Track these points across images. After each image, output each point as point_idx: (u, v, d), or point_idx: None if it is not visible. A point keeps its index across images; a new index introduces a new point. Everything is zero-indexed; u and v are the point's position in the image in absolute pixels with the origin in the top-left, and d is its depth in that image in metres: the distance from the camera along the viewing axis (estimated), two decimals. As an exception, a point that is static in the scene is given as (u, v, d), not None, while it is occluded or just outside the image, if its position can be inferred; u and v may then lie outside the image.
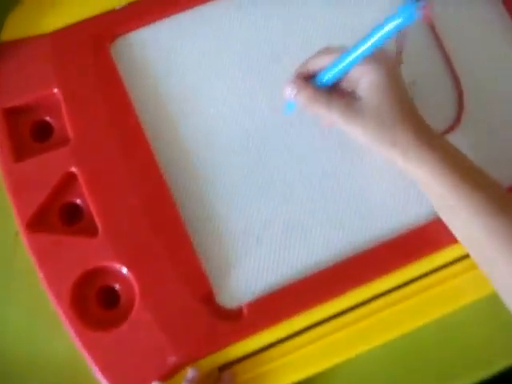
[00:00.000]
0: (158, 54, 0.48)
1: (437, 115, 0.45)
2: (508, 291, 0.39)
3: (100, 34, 0.47)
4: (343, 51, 0.39)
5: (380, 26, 0.37)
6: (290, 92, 0.41)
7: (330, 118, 0.41)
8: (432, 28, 0.49)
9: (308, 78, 0.42)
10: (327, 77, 0.41)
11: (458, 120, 0.47)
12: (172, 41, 0.48)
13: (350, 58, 0.39)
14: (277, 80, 0.47)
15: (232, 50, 0.48)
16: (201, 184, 0.45)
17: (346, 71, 0.40)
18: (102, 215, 0.43)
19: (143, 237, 0.43)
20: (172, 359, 0.41)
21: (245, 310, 0.42)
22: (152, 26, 0.48)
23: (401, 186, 0.46)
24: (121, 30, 0.48)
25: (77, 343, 0.41)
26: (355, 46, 0.39)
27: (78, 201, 0.45)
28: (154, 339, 0.41)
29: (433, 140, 0.40)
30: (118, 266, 0.42)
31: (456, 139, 0.42)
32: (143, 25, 0.48)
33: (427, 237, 0.44)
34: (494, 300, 0.40)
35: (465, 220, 0.39)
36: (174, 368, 0.41)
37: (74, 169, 0.44)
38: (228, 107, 0.47)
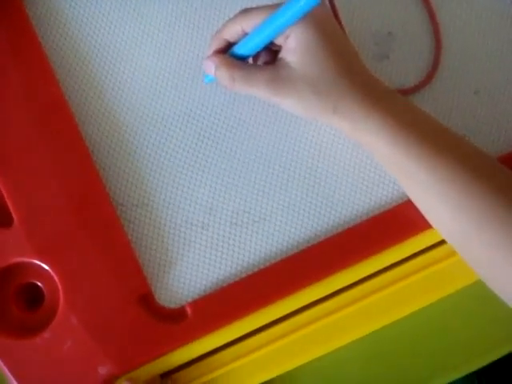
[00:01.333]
0: (80, 5, 0.41)
1: (412, 68, 0.41)
2: (482, 265, 0.35)
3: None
4: (261, 17, 0.35)
5: None
6: (208, 69, 0.37)
7: (256, 94, 0.36)
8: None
9: (226, 48, 0.37)
10: (245, 49, 0.36)
11: (431, 74, 0.42)
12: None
13: (269, 30, 0.34)
14: None
15: (164, 1, 0.41)
16: (134, 166, 0.39)
17: (265, 43, 0.35)
18: (17, 202, 0.37)
19: (66, 227, 0.37)
20: (104, 369, 0.37)
21: (188, 310, 0.37)
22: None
23: (369, 162, 0.40)
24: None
25: (-9, 352, 0.36)
26: (276, 14, 0.34)
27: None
28: (82, 346, 0.36)
29: (383, 99, 0.35)
30: (37, 261, 0.37)
31: (428, 96, 0.38)
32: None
33: (405, 218, 0.39)
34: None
35: (424, 189, 0.35)
36: (107, 379, 0.36)
37: (-19, 148, 0.38)
38: (163, 73, 0.41)
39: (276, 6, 0.34)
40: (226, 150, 0.40)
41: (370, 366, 0.40)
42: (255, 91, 0.36)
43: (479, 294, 0.39)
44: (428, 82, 0.41)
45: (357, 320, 0.38)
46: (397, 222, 0.39)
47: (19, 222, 0.37)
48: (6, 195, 0.37)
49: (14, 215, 0.37)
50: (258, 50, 0.36)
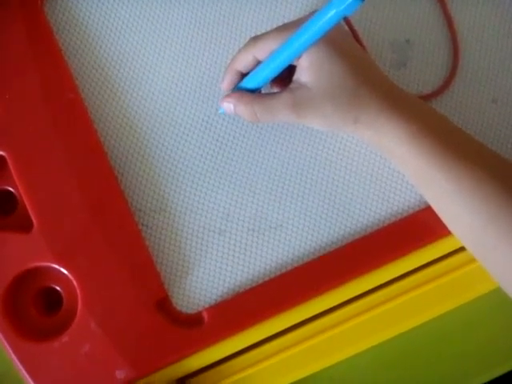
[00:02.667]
0: (100, 13, 0.42)
1: (430, 76, 0.42)
2: (506, 276, 0.35)
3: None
4: (271, 43, 0.35)
5: (314, 20, 0.32)
6: (227, 109, 0.38)
7: (280, 121, 0.38)
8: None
9: (240, 78, 0.38)
10: (260, 79, 0.37)
11: (449, 81, 0.43)
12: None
13: (280, 60, 0.35)
14: (242, 43, 0.41)
15: (185, 8, 0.43)
16: (152, 171, 0.40)
17: (278, 72, 0.36)
18: (37, 207, 0.39)
19: (85, 232, 0.39)
20: (122, 373, 0.37)
21: (205, 316, 0.38)
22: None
23: (385, 170, 0.41)
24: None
25: (10, 356, 0.37)
26: (285, 45, 0.34)
27: (11, 189, 0.40)
28: (100, 350, 0.37)
29: (405, 106, 0.36)
30: (55, 266, 0.38)
31: (445, 103, 0.39)
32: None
33: (422, 225, 0.40)
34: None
35: (448, 198, 0.35)
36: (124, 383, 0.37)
37: (1, 152, 0.39)
38: (182, 80, 0.42)
39: (283, 30, 0.35)
40: (243, 156, 0.41)
41: (383, 374, 0.41)
42: (279, 119, 0.37)
43: (498, 302, 0.39)
44: (445, 90, 0.42)
45: (371, 327, 0.39)
46: (413, 229, 0.40)
47: (39, 227, 0.38)
48: (26, 200, 0.38)
49: (33, 220, 0.38)
50: (273, 78, 0.37)
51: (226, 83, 0.38)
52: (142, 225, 0.40)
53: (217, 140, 0.41)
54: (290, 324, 0.39)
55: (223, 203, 0.40)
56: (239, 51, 0.37)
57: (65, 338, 0.38)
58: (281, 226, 0.40)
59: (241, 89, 0.38)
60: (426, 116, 0.36)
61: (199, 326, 0.38)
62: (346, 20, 0.42)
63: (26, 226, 0.38)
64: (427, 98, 0.42)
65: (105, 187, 0.39)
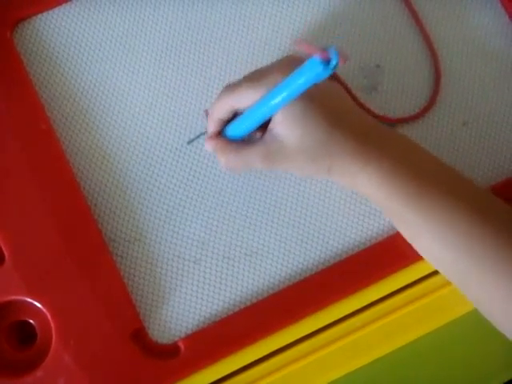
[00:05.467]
0: (70, 42, 0.43)
1: (400, 100, 0.44)
2: (483, 302, 0.37)
3: (-1, 18, 0.43)
4: (247, 93, 0.37)
5: (289, 82, 0.33)
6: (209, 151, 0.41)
7: (255, 169, 0.40)
8: (411, 9, 0.45)
9: (223, 125, 0.40)
10: (239, 131, 0.39)
11: (431, 103, 0.45)
12: (86, 25, 0.44)
13: (255, 119, 0.37)
14: (210, 73, 0.44)
15: (154, 36, 0.44)
16: (126, 201, 0.42)
17: (256, 126, 0.38)
18: (9, 240, 0.40)
19: (58, 264, 0.40)
20: (97, 407, 0.38)
21: (181, 346, 0.40)
22: (61, 9, 0.43)
23: (358, 195, 0.43)
24: (24, 13, 0.43)
25: (-17, 393, 0.38)
26: (259, 104, 0.36)
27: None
28: (76, 385, 0.38)
29: (377, 147, 0.37)
30: (28, 299, 0.38)
31: (426, 126, 0.41)
32: (51, 7, 0.43)
33: (396, 250, 0.41)
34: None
35: (428, 239, 0.37)
36: (100, 417, 0.38)
37: (-29, 184, 0.40)
38: (154, 109, 0.43)
39: (255, 82, 0.37)
40: (217, 184, 0.42)
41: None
42: (252, 168, 0.39)
43: (475, 323, 0.41)
44: (425, 113, 0.44)
45: (346, 354, 0.41)
46: (388, 254, 0.42)
47: (11, 259, 0.39)
48: (-3, 233, 0.39)
49: (5, 253, 0.39)
50: (251, 131, 0.39)
51: (211, 132, 0.40)
52: (117, 255, 0.41)
53: (190, 168, 0.42)
54: (267, 352, 0.40)
55: (198, 232, 0.41)
56: (216, 101, 0.39)
57: (39, 373, 0.39)
58: (256, 253, 0.41)
59: (225, 136, 0.40)
60: (398, 155, 0.37)
61: (176, 357, 0.39)
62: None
63: (-3, 260, 0.39)
64: (399, 121, 0.43)
65: (78, 218, 0.40)
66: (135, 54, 0.43)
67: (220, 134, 0.40)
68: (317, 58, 0.30)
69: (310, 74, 0.31)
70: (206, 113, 0.42)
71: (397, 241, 0.41)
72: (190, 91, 0.43)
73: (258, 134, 0.40)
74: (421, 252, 0.38)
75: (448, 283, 0.41)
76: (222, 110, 0.39)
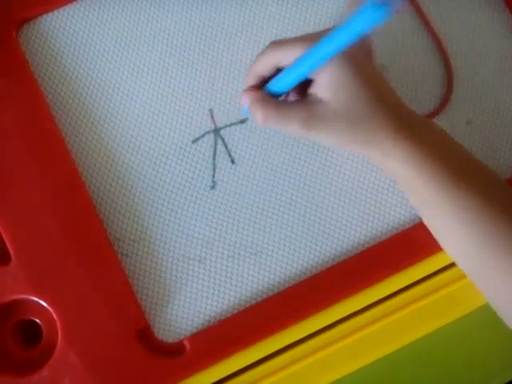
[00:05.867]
0: (75, 43, 0.44)
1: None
2: (498, 299, 0.37)
3: (4, 18, 0.43)
4: (294, 50, 0.36)
5: (345, 27, 0.32)
6: (245, 104, 0.39)
7: (291, 131, 0.39)
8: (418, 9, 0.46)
9: (262, 82, 0.39)
10: (282, 86, 0.38)
11: (445, 102, 0.45)
12: (91, 25, 0.44)
13: (305, 67, 0.36)
14: (215, 73, 0.44)
15: (159, 36, 0.44)
16: (131, 200, 0.42)
17: (301, 79, 0.37)
18: (15, 239, 0.40)
19: (64, 264, 0.40)
20: (103, 406, 0.38)
21: (187, 345, 0.40)
22: (66, 9, 0.44)
23: (367, 193, 0.43)
24: (30, 14, 0.43)
25: (-12, 391, 0.38)
26: (311, 53, 0.35)
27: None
28: (81, 383, 0.38)
29: (414, 130, 0.37)
30: (34, 298, 0.39)
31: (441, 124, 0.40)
32: (56, 7, 0.43)
33: (403, 247, 0.42)
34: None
35: (451, 226, 0.37)
36: (106, 417, 0.38)
37: (-23, 184, 0.40)
38: (159, 108, 0.43)
39: (307, 38, 0.36)
40: (221, 183, 0.42)
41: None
42: (289, 129, 0.38)
43: (479, 321, 0.41)
44: (439, 113, 0.44)
45: (360, 348, 0.41)
46: (394, 251, 0.42)
47: (17, 259, 0.40)
48: (2, 233, 0.40)
49: (11, 253, 0.40)
50: (294, 85, 0.38)
51: (249, 86, 0.40)
52: (122, 254, 0.41)
53: (195, 168, 0.42)
54: (272, 350, 0.40)
55: (203, 231, 0.42)
56: (260, 55, 0.39)
57: (44, 372, 0.39)
58: (261, 252, 0.41)
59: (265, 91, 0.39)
60: (435, 140, 0.38)
61: (181, 355, 0.40)
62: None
63: (3, 259, 0.40)
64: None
65: (83, 217, 0.41)
66: (140, 53, 0.44)
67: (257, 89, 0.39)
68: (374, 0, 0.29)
69: (369, 15, 0.30)
70: (211, 112, 0.43)
71: (403, 239, 0.42)
72: (194, 90, 0.44)
73: (294, 98, 0.40)
74: (437, 236, 0.39)
75: (452, 282, 0.41)
76: (265, 64, 0.38)
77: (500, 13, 0.47)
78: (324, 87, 0.37)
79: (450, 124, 0.44)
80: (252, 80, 0.40)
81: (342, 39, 0.33)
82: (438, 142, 0.38)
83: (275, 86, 0.39)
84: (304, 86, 0.39)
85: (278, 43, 0.38)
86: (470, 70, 0.45)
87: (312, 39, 0.36)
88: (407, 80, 0.45)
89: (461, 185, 0.36)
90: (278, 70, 0.39)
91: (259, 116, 0.38)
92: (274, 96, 0.39)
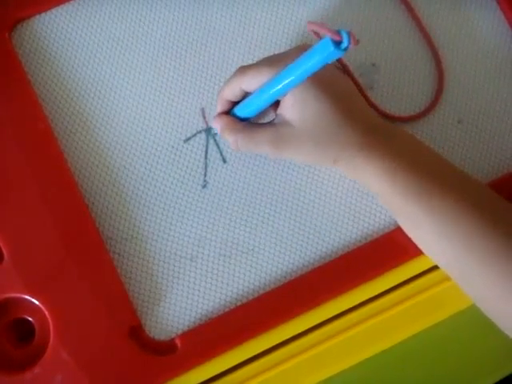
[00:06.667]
0: (68, 43, 0.44)
1: (398, 97, 0.45)
2: (485, 302, 0.38)
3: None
4: (259, 76, 0.38)
5: (301, 62, 0.34)
6: (217, 130, 0.42)
7: (260, 153, 0.41)
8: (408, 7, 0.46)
9: (231, 107, 0.41)
10: (248, 111, 0.40)
11: (435, 102, 0.45)
12: (84, 26, 0.44)
13: (268, 95, 0.37)
14: (207, 72, 0.45)
15: (152, 36, 0.45)
16: (123, 199, 0.43)
17: (265, 106, 0.39)
18: (8, 238, 0.41)
19: (56, 262, 0.41)
20: (95, 404, 0.39)
21: (178, 342, 0.41)
22: (59, 9, 0.44)
23: (355, 192, 0.43)
24: (22, 14, 0.44)
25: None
26: (270, 84, 0.37)
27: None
28: (73, 381, 0.40)
29: (383, 142, 0.38)
30: (27, 297, 0.39)
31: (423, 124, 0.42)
32: (49, 7, 0.44)
33: (393, 246, 0.42)
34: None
35: (429, 233, 0.38)
36: (97, 415, 0.39)
37: (-30, 183, 0.41)
38: (151, 107, 0.44)
39: (271, 65, 0.37)
40: (213, 182, 0.43)
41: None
42: (259, 152, 0.40)
43: (471, 319, 0.41)
44: (429, 113, 0.45)
45: (349, 347, 0.41)
46: (384, 250, 0.42)
47: (9, 258, 0.40)
48: (-4, 231, 0.40)
49: (4, 251, 0.40)
50: (259, 111, 0.40)
51: (218, 112, 0.41)
52: (114, 253, 0.42)
53: (186, 167, 0.43)
54: (264, 348, 0.41)
55: (194, 229, 0.42)
56: (227, 82, 0.40)
57: (37, 369, 0.39)
58: (252, 250, 0.42)
59: (233, 115, 0.41)
60: (405, 150, 0.38)
61: (173, 353, 0.40)
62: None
63: (-4, 258, 0.40)
64: (402, 119, 0.44)
65: (75, 216, 0.41)
66: (132, 53, 0.44)
67: (227, 114, 0.41)
68: (329, 38, 0.31)
69: (322, 53, 0.32)
70: (203, 111, 0.43)
71: (392, 238, 0.42)
72: (186, 90, 0.44)
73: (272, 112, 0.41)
74: (421, 246, 0.39)
75: (442, 280, 0.42)
76: (232, 91, 0.40)
77: (492, 11, 0.47)
78: (289, 108, 0.38)
79: (441, 123, 0.45)
80: (221, 105, 0.41)
81: (298, 73, 0.35)
82: (406, 153, 0.38)
83: (242, 110, 0.40)
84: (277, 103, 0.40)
85: (243, 69, 0.39)
86: (460, 68, 0.46)
87: (276, 65, 0.37)
88: (398, 79, 0.45)
89: (434, 193, 0.37)
90: (244, 96, 0.40)
91: (231, 141, 0.40)
92: (244, 119, 0.41)
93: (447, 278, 0.41)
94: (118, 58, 0.44)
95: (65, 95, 0.43)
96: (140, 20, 0.45)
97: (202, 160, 0.43)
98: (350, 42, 0.31)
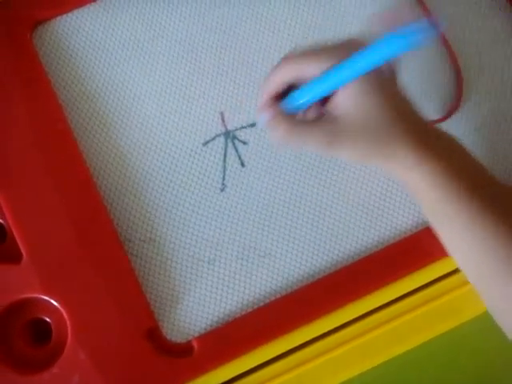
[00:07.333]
0: (89, 45, 0.45)
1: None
2: (501, 314, 0.38)
3: (19, 20, 0.44)
4: (313, 65, 0.37)
5: (369, 53, 0.34)
6: (261, 121, 0.39)
7: (312, 147, 0.39)
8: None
9: (279, 95, 0.39)
10: (303, 100, 0.38)
11: (455, 106, 0.46)
12: (104, 28, 0.45)
13: (333, 82, 0.36)
14: (227, 76, 0.45)
15: (172, 39, 0.45)
16: (142, 201, 0.43)
17: (328, 92, 0.37)
18: (27, 238, 0.41)
19: (75, 264, 0.41)
20: (111, 405, 0.39)
21: (195, 345, 0.41)
22: (80, 11, 0.45)
23: (373, 197, 0.44)
24: (44, 15, 0.44)
25: (-1, 388, 0.39)
26: (338, 68, 0.36)
27: (0, 220, 0.42)
28: (90, 381, 0.40)
29: (436, 147, 0.38)
30: (45, 297, 0.40)
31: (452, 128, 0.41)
32: (70, 9, 0.45)
33: (410, 251, 0.43)
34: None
35: (463, 233, 0.37)
36: (114, 415, 0.39)
37: (-9, 183, 0.41)
38: (170, 110, 0.45)
39: (330, 53, 0.37)
40: (231, 185, 0.43)
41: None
42: (309, 147, 0.39)
43: (489, 325, 0.42)
44: (449, 116, 0.45)
45: (363, 352, 0.42)
46: (401, 255, 0.43)
47: (28, 258, 0.41)
48: (15, 232, 0.41)
49: (23, 252, 0.41)
50: (316, 101, 0.38)
51: (263, 102, 0.39)
52: (132, 255, 0.42)
53: (205, 170, 0.43)
54: (280, 352, 0.41)
55: (212, 232, 0.43)
56: (275, 70, 0.38)
57: (55, 370, 0.40)
58: (269, 254, 0.42)
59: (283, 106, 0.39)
60: (456, 157, 0.38)
61: (189, 355, 0.41)
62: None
63: (15, 258, 0.41)
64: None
65: (94, 217, 0.42)
66: (152, 56, 0.45)
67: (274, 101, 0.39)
68: (425, 21, 0.31)
69: (405, 40, 0.32)
70: (222, 115, 0.43)
71: (409, 243, 0.43)
72: (206, 93, 0.45)
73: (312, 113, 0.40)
74: (456, 256, 0.39)
75: (458, 286, 0.42)
76: (281, 80, 0.38)
77: (508, 16, 0.47)
78: (341, 104, 0.37)
79: (458, 130, 0.45)
80: (266, 95, 0.39)
81: (375, 60, 0.34)
82: (456, 161, 0.38)
83: (296, 100, 0.38)
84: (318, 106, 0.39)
85: (294, 58, 0.38)
86: (478, 75, 0.46)
87: (334, 53, 0.36)
88: (415, 85, 0.46)
89: (474, 198, 0.37)
90: (290, 89, 0.39)
91: (276, 133, 0.38)
92: (292, 110, 0.39)
93: (465, 283, 0.42)
94: (137, 60, 0.45)
95: (84, 96, 0.44)
96: (160, 23, 0.45)
97: (221, 163, 0.44)
98: (425, 36, 0.31)
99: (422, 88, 0.46)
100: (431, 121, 0.45)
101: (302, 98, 0.38)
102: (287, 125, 0.38)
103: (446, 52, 0.46)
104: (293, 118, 0.39)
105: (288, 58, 0.38)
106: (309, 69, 0.37)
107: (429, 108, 0.45)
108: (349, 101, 0.37)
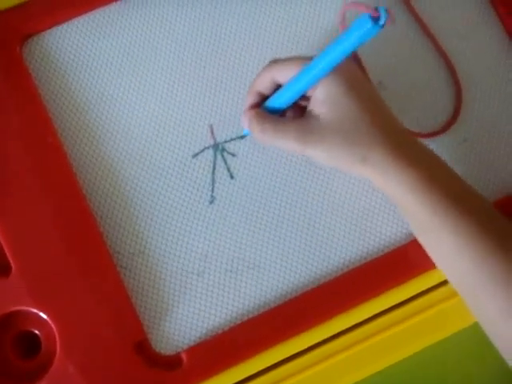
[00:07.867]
0: (78, 58, 0.45)
1: (414, 115, 0.46)
2: (490, 325, 0.38)
3: (8, 33, 0.44)
4: (292, 67, 0.38)
5: (338, 42, 0.35)
6: (243, 124, 0.41)
7: (285, 146, 0.40)
8: (423, 26, 0.47)
9: (261, 101, 0.41)
10: (279, 102, 0.40)
11: (454, 118, 0.46)
12: (93, 41, 0.45)
13: (302, 84, 0.38)
14: (216, 89, 0.45)
15: (161, 52, 0.46)
16: (131, 214, 0.43)
17: (298, 96, 0.39)
18: (16, 251, 0.41)
19: (64, 276, 0.41)
20: (100, 418, 0.39)
21: (184, 357, 0.41)
22: (70, 24, 0.45)
23: (361, 209, 0.44)
24: (33, 29, 0.44)
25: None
26: (308, 68, 0.37)
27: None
28: (79, 395, 0.39)
29: (413, 151, 0.38)
30: (34, 310, 0.40)
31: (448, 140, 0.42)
32: (59, 22, 0.45)
33: (399, 263, 0.43)
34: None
35: (449, 249, 0.38)
36: (103, 428, 0.39)
37: (-22, 196, 0.41)
38: (160, 123, 0.45)
39: (304, 57, 0.38)
40: (220, 198, 0.44)
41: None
42: (284, 143, 0.39)
43: (477, 337, 0.42)
44: (446, 130, 0.45)
45: (350, 365, 0.42)
46: (391, 266, 0.43)
47: (17, 271, 0.41)
48: (4, 244, 0.41)
49: (12, 264, 0.41)
50: (292, 102, 0.40)
51: (248, 104, 0.41)
52: (121, 267, 0.42)
53: (194, 182, 0.44)
54: (269, 364, 0.41)
55: (201, 244, 0.43)
56: (259, 73, 0.40)
57: (43, 383, 0.40)
58: (258, 266, 0.43)
59: (263, 109, 0.41)
60: (431, 164, 0.38)
61: (178, 368, 0.41)
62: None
63: (4, 270, 0.41)
64: (421, 136, 0.45)
65: (84, 230, 0.42)
66: (142, 69, 0.45)
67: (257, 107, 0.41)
68: (368, 14, 0.32)
69: (360, 30, 0.33)
70: (211, 128, 0.44)
71: (398, 255, 0.43)
72: (196, 106, 0.45)
73: (290, 114, 0.41)
74: (437, 260, 0.40)
75: (449, 297, 0.43)
76: (263, 82, 0.40)
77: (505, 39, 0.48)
78: (319, 103, 0.38)
79: (448, 143, 0.46)
80: (251, 98, 0.41)
81: (336, 53, 0.35)
82: (431, 164, 0.38)
83: (273, 102, 0.40)
84: (300, 110, 0.41)
85: (275, 61, 0.40)
86: (475, 89, 0.46)
87: (309, 58, 0.38)
88: (401, 97, 0.46)
89: (459, 209, 0.37)
90: (278, 88, 0.40)
91: (257, 130, 0.40)
92: (273, 113, 0.41)
93: (451, 296, 0.42)
94: (127, 73, 0.45)
95: (74, 109, 0.44)
96: (150, 36, 0.46)
97: (210, 176, 0.44)
98: (387, 18, 0.32)
99: (404, 99, 0.46)
100: (428, 134, 0.45)
101: (277, 100, 0.40)
102: (263, 121, 0.39)
103: (444, 65, 0.46)
104: (271, 116, 0.40)
105: (272, 61, 0.40)
106: (284, 71, 0.39)
107: (427, 122, 0.46)
108: (322, 103, 0.38)
